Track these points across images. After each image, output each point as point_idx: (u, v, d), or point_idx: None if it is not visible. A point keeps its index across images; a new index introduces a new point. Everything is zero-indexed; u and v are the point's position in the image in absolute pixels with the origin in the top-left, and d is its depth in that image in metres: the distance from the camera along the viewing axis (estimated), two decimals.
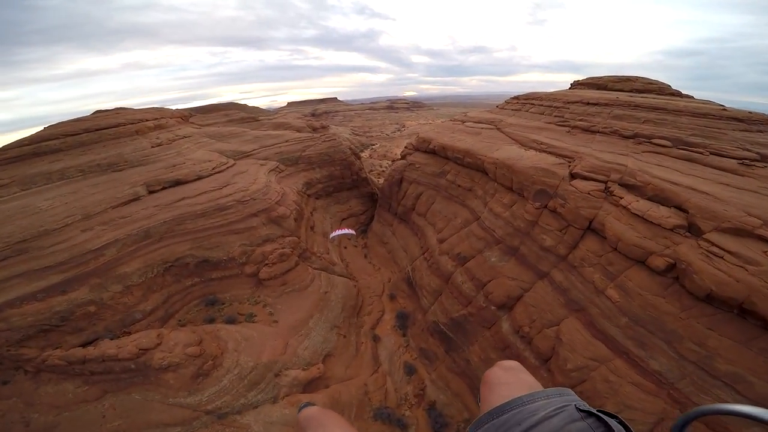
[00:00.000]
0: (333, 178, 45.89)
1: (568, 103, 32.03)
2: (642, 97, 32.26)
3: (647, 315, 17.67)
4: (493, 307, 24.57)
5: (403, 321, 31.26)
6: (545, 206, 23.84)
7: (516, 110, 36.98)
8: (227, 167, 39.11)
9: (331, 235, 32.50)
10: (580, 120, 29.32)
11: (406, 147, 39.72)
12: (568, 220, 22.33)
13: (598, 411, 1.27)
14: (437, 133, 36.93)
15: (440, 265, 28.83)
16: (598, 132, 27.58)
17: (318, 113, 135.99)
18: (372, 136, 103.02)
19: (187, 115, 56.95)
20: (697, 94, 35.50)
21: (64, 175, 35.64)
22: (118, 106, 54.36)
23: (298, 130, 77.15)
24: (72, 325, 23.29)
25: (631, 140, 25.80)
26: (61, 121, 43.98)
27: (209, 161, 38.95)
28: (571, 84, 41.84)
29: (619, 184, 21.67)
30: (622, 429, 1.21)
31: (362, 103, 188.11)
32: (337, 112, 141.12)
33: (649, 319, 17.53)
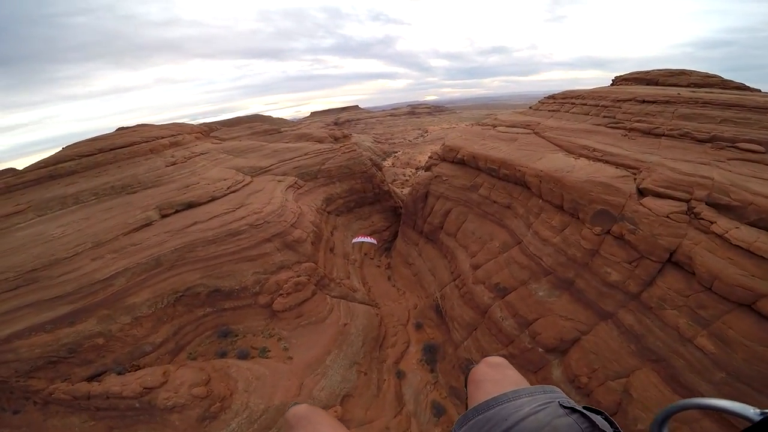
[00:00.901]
0: (354, 193, 42.39)
1: (619, 101, 26.91)
2: (706, 92, 26.80)
3: (754, 371, 13.77)
4: (540, 350, 20.19)
5: (431, 354, 27.15)
6: (608, 231, 19.17)
7: (554, 111, 32.05)
8: (243, 185, 36.40)
9: (353, 241, 31.46)
10: (638, 121, 24.20)
11: (430, 157, 35.56)
12: (640, 251, 17.59)
13: (582, 408, 1.24)
14: (465, 140, 32.58)
15: (475, 295, 24.57)
16: (664, 135, 22.46)
17: (340, 122, 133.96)
18: (394, 143, 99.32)
19: (207, 130, 55.37)
20: None
21: (79, 199, 34.24)
22: (140, 123, 53.66)
23: (320, 141, 74.54)
24: (80, 357, 22.28)
25: (709, 145, 20.62)
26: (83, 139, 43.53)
27: (224, 180, 36.38)
28: (612, 80, 36.45)
29: (706, 203, 16.78)
30: (608, 425, 1.17)
31: (383, 110, 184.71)
32: (358, 120, 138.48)
33: (757, 375, 13.67)
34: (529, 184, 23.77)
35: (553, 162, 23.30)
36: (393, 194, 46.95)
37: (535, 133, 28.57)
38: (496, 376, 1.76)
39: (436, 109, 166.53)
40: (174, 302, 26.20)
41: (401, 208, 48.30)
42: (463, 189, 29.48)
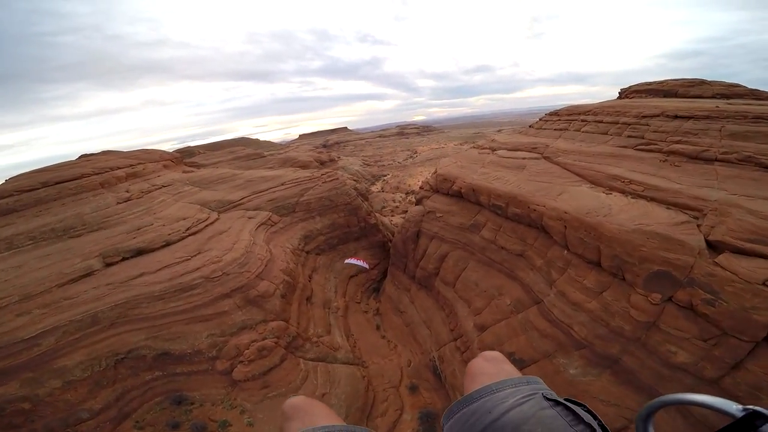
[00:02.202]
0: (336, 228, 36.18)
1: (645, 117, 21.33)
2: (745, 104, 21.52)
3: None
4: None
5: (429, 424, 20.71)
6: (670, 298, 13.20)
7: (561, 130, 26.50)
8: (206, 225, 30.08)
9: (346, 261, 29.78)
10: (678, 142, 18.56)
11: (421, 187, 29.62)
12: (722, 327, 11.79)
13: (565, 400, 1.22)
14: (461, 167, 26.77)
15: None
16: (717, 160, 16.78)
17: (329, 144, 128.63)
18: (384, 166, 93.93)
19: (179, 157, 49.24)
20: None
21: (13, 244, 28.03)
22: (106, 150, 47.36)
23: (305, 166, 68.90)
24: (4, 422, 18.98)
25: None
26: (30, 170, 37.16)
27: (184, 219, 30.07)
28: (620, 92, 31.30)
29: None
30: (591, 417, 1.15)
31: (372, 131, 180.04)
32: (347, 141, 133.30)
33: None
34: (549, 229, 17.82)
35: (579, 199, 17.47)
36: (381, 227, 40.81)
37: (545, 158, 22.86)
38: (491, 370, 1.66)
39: (424, 129, 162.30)
40: (115, 364, 20.51)
41: (391, 242, 42.14)
42: (462, 229, 23.44)
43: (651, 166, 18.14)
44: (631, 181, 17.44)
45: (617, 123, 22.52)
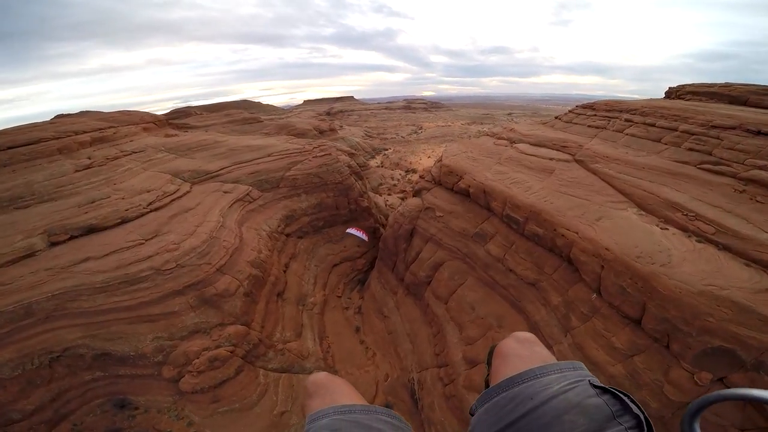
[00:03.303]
0: (323, 209, 31.31)
1: (715, 128, 15.90)
2: None
3: None
4: None
5: None
6: (720, 379, 8.97)
7: (598, 128, 21.01)
8: (173, 199, 25.08)
9: (348, 231, 28.66)
10: (764, 168, 13.50)
11: (422, 177, 24.41)
12: None
13: (612, 388, 1.09)
14: (472, 160, 21.44)
15: (466, 406, 14.59)
16: None
17: (333, 112, 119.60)
18: (386, 139, 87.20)
19: (162, 119, 43.20)
20: None
21: None
22: (84, 110, 41.52)
23: (302, 134, 62.74)
24: None
25: None
26: None
27: (148, 192, 24.99)
28: (668, 91, 25.49)
29: None
30: (637, 408, 1.03)
31: (379, 103, 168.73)
32: (352, 111, 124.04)
33: None
34: (578, 263, 13.08)
35: (626, 231, 12.59)
36: (374, 210, 35.97)
37: (578, 162, 17.70)
38: (524, 352, 1.49)
39: (432, 105, 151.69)
40: (50, 363, 16.83)
41: (384, 227, 37.47)
42: (464, 236, 18.62)
43: (723, 197, 13.08)
44: (696, 216, 12.51)
45: (675, 130, 17.06)
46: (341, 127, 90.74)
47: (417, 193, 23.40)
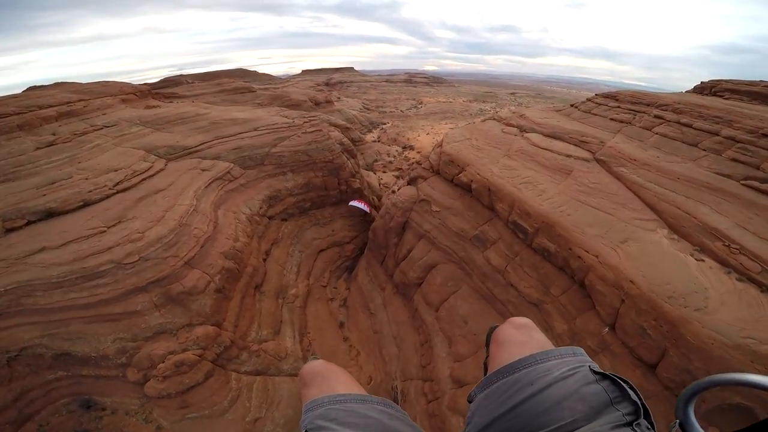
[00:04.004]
0: (311, 189, 28.37)
1: (765, 136, 13.11)
2: None
3: None
4: None
5: None
6: None
7: (622, 122, 17.81)
8: (143, 179, 22.03)
9: (351, 203, 27.97)
10: None
11: (418, 162, 21.40)
12: None
13: (612, 374, 1.09)
14: (476, 149, 18.23)
15: (448, 428, 12.86)
16: None
17: (332, 83, 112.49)
18: (384, 113, 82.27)
19: (144, 90, 38.73)
20: None
21: None
22: (60, 81, 36.74)
23: (296, 105, 58.01)
24: None
25: None
26: None
27: (116, 171, 21.82)
28: (701, 87, 22.04)
29: None
30: (635, 394, 1.02)
31: (379, 75, 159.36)
32: (351, 82, 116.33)
33: None
34: (593, 292, 10.71)
35: (655, 260, 10.14)
36: (366, 190, 33.09)
37: (599, 162, 14.84)
38: (521, 338, 1.46)
39: (434, 80, 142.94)
40: (8, 362, 15.26)
41: (376, 209, 34.81)
42: (461, 238, 16.01)
43: None
44: (741, 249, 10.00)
45: (716, 134, 14.06)
46: (339, 98, 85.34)
47: (412, 182, 20.50)
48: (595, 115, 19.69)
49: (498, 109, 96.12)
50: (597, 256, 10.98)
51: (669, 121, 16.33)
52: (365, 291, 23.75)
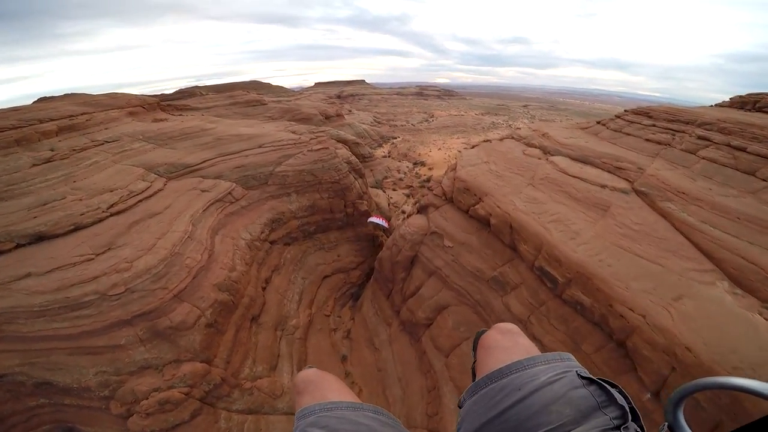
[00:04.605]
0: (316, 211, 26.74)
1: None
2: None
3: None
4: None
5: None
6: None
7: (662, 144, 15.46)
8: (139, 200, 20.82)
9: (369, 220, 27.65)
10: None
11: (430, 188, 19.33)
12: None
13: (598, 379, 1.10)
14: (495, 175, 16.05)
15: None
16: None
17: (344, 95, 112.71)
18: (395, 126, 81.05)
19: (153, 103, 38.28)
20: None
21: None
22: (70, 93, 36.89)
23: (307, 118, 57.44)
24: None
25: None
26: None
27: (111, 191, 20.74)
28: (738, 101, 19.60)
29: None
30: (623, 398, 1.03)
31: (391, 87, 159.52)
32: (363, 95, 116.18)
33: None
34: (635, 353, 8.66)
35: (717, 321, 8.03)
36: (374, 212, 31.28)
37: (640, 194, 12.66)
38: (507, 343, 1.46)
39: (445, 93, 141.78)
40: None
41: (387, 233, 32.89)
42: (478, 278, 13.91)
43: None
44: None
45: None
46: (350, 111, 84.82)
47: (422, 210, 18.48)
48: (628, 134, 17.38)
49: (511, 122, 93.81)
50: (644, 316, 8.83)
51: (717, 143, 13.99)
52: (370, 324, 21.71)
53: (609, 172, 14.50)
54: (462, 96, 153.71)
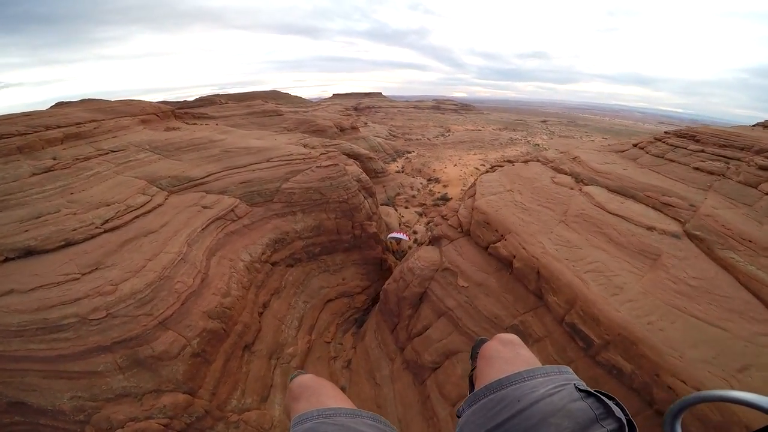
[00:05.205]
0: (322, 233, 25.19)
1: None
2: None
3: None
4: None
5: None
6: None
7: (714, 175, 13.07)
8: (137, 216, 19.80)
9: (389, 236, 28.06)
10: None
11: (445, 218, 17.29)
12: None
13: (596, 391, 1.10)
14: (521, 209, 13.60)
15: None
16: None
17: (361, 107, 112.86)
18: (410, 140, 79.76)
19: (167, 111, 38.09)
20: None
21: None
22: (87, 98, 37.40)
23: (321, 130, 56.85)
24: None
25: None
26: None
27: (108, 205, 19.90)
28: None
29: None
30: (620, 411, 1.03)
31: (407, 101, 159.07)
32: (379, 107, 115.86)
33: None
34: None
35: None
36: (383, 235, 29.52)
37: (694, 239, 10.41)
38: (508, 355, 1.46)
39: (462, 107, 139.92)
40: None
41: (396, 255, 31.00)
42: (494, 325, 11.54)
43: None
44: None
45: None
46: (366, 124, 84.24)
47: (435, 241, 16.48)
48: (672, 161, 15.00)
49: (529, 138, 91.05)
50: (698, 389, 6.74)
51: None
52: (372, 356, 19.76)
53: (655, 209, 12.24)
54: (479, 110, 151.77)
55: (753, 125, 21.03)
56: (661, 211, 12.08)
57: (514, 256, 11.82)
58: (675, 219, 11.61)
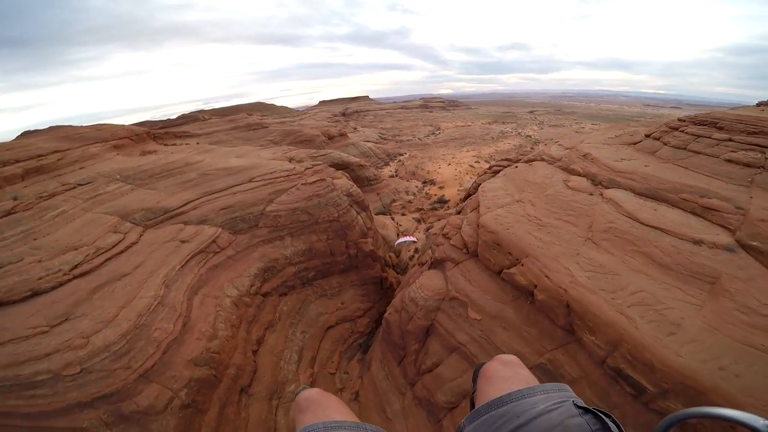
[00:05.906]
0: (314, 256, 23.14)
1: None
2: None
3: None
4: None
5: None
6: None
7: (752, 167, 11.03)
8: (108, 257, 17.73)
9: (397, 243, 27.91)
10: None
11: (445, 234, 15.28)
12: None
13: (594, 409, 1.12)
14: (536, 226, 11.52)
15: None
16: None
17: (349, 112, 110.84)
18: (401, 142, 77.86)
19: (144, 134, 35.77)
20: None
21: None
22: (54, 125, 34.88)
23: (309, 140, 54.80)
24: None
25: None
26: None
27: (76, 249, 17.80)
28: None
29: None
30: (616, 428, 1.05)
31: (395, 102, 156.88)
32: (368, 111, 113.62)
33: None
34: None
35: None
36: (381, 251, 27.50)
37: (750, 251, 8.70)
38: (508, 374, 1.51)
39: (450, 104, 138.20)
40: None
41: (397, 269, 29.00)
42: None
43: None
44: None
45: None
46: (355, 129, 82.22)
47: (437, 265, 14.46)
48: (698, 152, 13.10)
49: (520, 130, 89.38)
50: None
51: None
52: (380, 389, 17.78)
53: (695, 214, 10.33)
54: (467, 106, 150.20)
55: (757, 104, 19.37)
56: (704, 218, 10.17)
57: (536, 286, 9.86)
58: (723, 227, 9.70)
